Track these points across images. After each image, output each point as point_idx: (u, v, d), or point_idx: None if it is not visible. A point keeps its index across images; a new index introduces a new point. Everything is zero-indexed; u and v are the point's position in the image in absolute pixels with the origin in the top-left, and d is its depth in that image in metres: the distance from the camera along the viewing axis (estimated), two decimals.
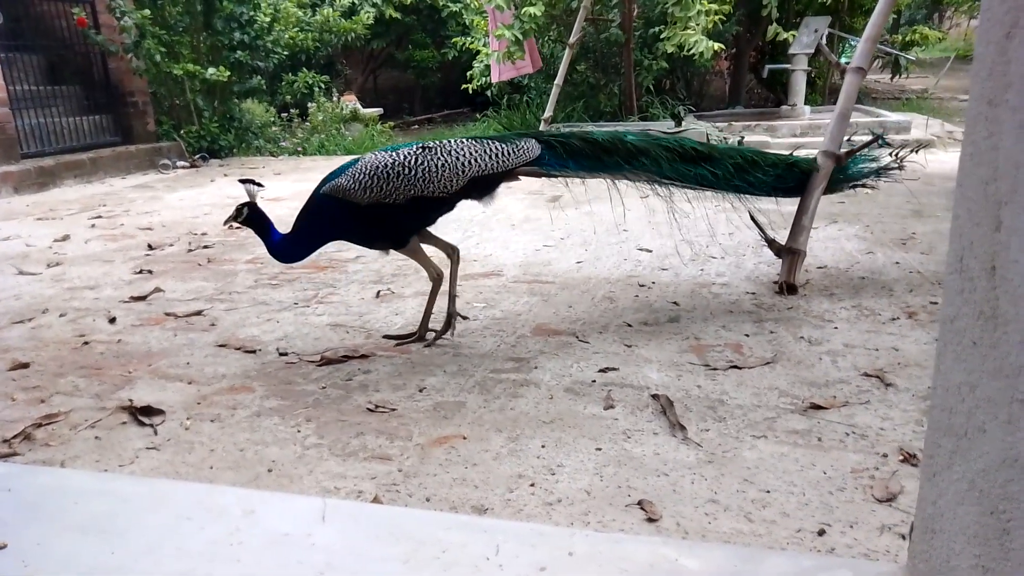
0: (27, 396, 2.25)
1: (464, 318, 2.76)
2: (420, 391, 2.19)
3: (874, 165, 3.21)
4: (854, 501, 1.57)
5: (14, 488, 1.38)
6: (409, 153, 2.39)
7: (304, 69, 10.13)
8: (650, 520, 1.52)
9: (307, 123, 10.03)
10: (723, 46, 8.26)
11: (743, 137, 8.83)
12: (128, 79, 7.64)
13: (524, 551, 1.15)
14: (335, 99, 10.46)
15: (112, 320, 2.93)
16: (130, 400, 2.16)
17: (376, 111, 11.55)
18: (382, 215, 2.39)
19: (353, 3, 12.10)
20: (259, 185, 2.43)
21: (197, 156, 7.93)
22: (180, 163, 7.72)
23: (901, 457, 1.72)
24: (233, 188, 6.22)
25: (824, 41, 10.87)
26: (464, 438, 1.90)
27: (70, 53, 7.50)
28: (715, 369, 2.26)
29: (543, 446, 1.84)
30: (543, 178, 2.76)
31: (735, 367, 2.27)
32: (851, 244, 3.71)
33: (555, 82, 8.60)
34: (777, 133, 9.31)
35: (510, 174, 2.53)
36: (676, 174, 2.70)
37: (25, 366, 2.48)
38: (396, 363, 2.42)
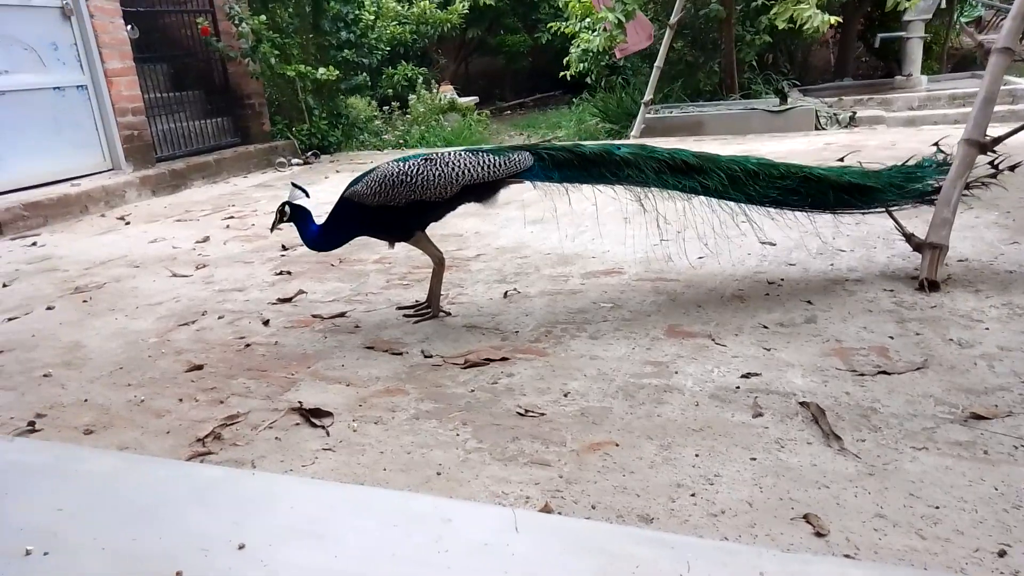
0: (207, 397, 2.48)
1: (447, 313, 3.08)
2: (565, 395, 2.28)
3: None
4: None
5: (235, 492, 1.56)
6: (413, 164, 2.81)
7: (403, 62, 10.39)
8: (818, 535, 1.54)
9: (407, 115, 10.30)
10: (839, 19, 7.87)
11: (855, 113, 8.44)
12: (245, 82, 8.07)
13: (715, 569, 1.21)
14: (433, 90, 10.68)
15: (266, 323, 3.16)
16: (299, 402, 2.35)
17: (472, 100, 11.72)
18: (388, 215, 2.85)
19: None
20: (306, 194, 2.90)
21: (309, 153, 8.30)
22: (294, 161, 8.12)
23: None
24: (345, 182, 6.50)
25: (943, 4, 10.20)
26: (616, 445, 1.97)
27: (193, 60, 8.00)
28: (862, 375, 2.24)
29: (696, 455, 1.89)
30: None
31: (883, 372, 2.24)
32: (992, 233, 3.53)
33: (655, 64, 8.45)
34: (892, 107, 8.85)
35: (502, 183, 2.90)
36: (664, 185, 2.90)
37: (199, 368, 2.72)
38: (536, 366, 2.51)
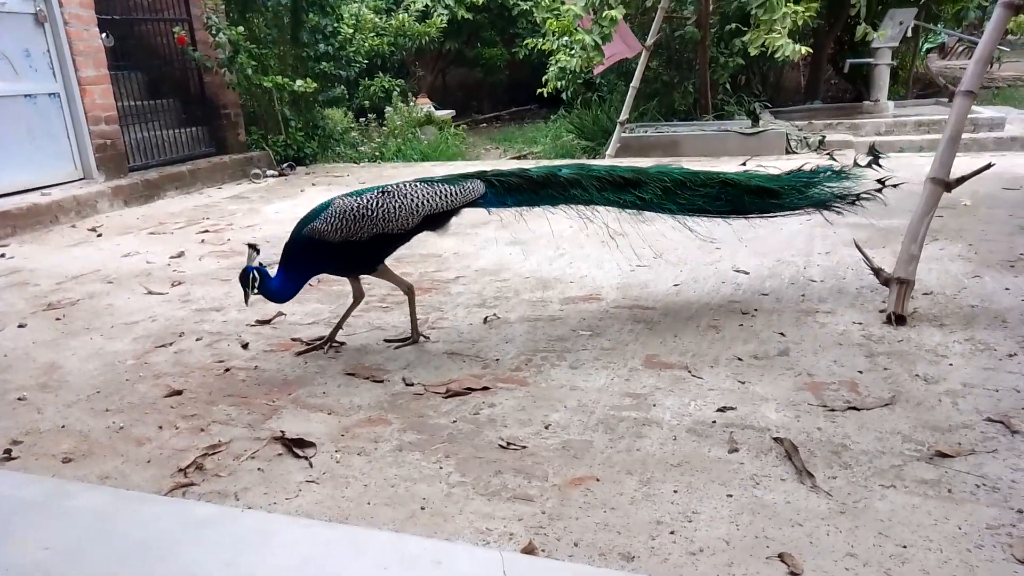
0: (188, 424, 2.47)
1: (341, 343, 3.12)
2: (546, 427, 2.32)
3: (840, 188, 3.23)
4: (994, 560, 1.61)
5: (228, 530, 1.57)
6: (371, 197, 2.82)
7: (380, 73, 10.39)
8: (793, 574, 1.60)
9: (384, 127, 10.30)
10: (810, 50, 8.08)
11: (824, 137, 8.65)
12: (222, 92, 8.02)
13: None
14: (410, 103, 10.70)
15: (245, 346, 3.16)
16: (282, 432, 2.35)
17: (449, 113, 11.75)
18: (351, 250, 2.85)
19: (427, 6, 12.32)
20: (257, 251, 2.77)
21: (285, 165, 8.26)
22: (269, 172, 8.07)
23: None
24: (323, 198, 6.49)
25: (910, 32, 10.51)
26: (598, 479, 2.01)
27: (169, 69, 7.93)
28: (833, 410, 2.32)
29: (675, 491, 1.94)
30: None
31: (853, 408, 2.32)
32: (956, 266, 3.66)
33: (631, 84, 8.57)
34: (861, 131, 9.09)
35: (456, 211, 2.98)
36: (607, 201, 3.08)
37: (179, 393, 2.71)
38: (517, 396, 2.55)
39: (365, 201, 2.82)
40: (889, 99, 10.30)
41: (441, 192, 2.90)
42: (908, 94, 11.95)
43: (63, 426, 2.51)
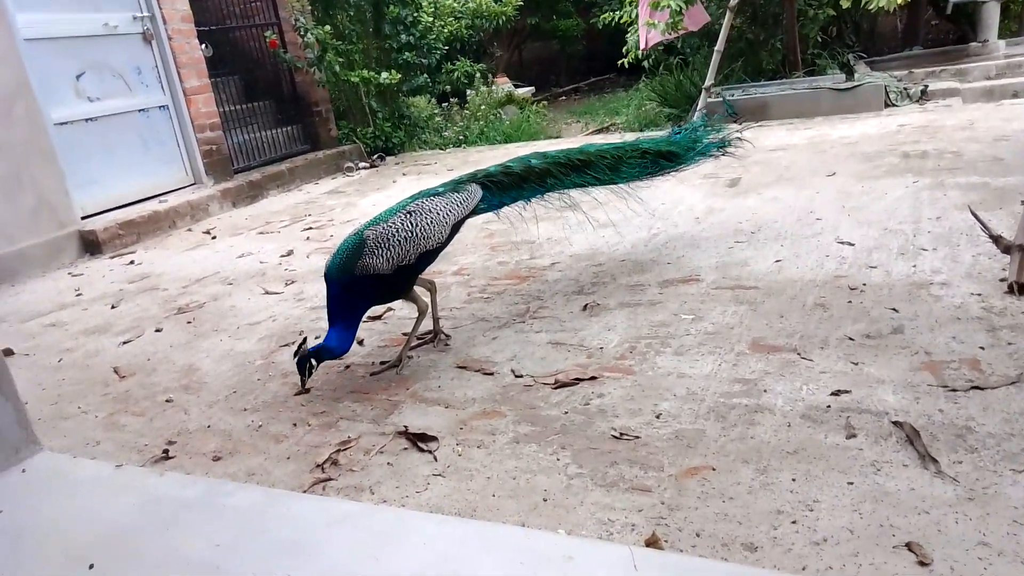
0: (319, 421, 2.67)
1: (448, 336, 3.22)
2: (657, 417, 2.37)
3: (717, 138, 3.78)
4: None
5: (369, 526, 1.71)
6: (403, 219, 2.85)
7: (460, 57, 10.50)
8: (922, 564, 1.61)
9: (466, 111, 10.43)
10: None
11: (927, 87, 8.14)
12: (312, 90, 8.33)
13: None
14: (491, 84, 10.77)
15: (360, 342, 3.34)
16: (405, 427, 2.51)
17: (528, 90, 11.78)
18: (401, 275, 2.88)
19: None
20: (305, 342, 2.77)
21: (375, 156, 8.53)
22: (361, 164, 8.36)
23: None
24: (414, 188, 6.68)
25: None
26: (713, 469, 2.05)
27: (262, 71, 8.30)
28: (955, 391, 2.26)
29: (793, 479, 1.96)
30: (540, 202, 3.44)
31: (976, 388, 2.25)
32: None
33: (716, 48, 8.33)
34: (968, 77, 8.50)
35: (467, 218, 3.10)
36: (574, 184, 3.37)
37: (307, 391, 2.92)
38: (625, 385, 2.61)
39: (400, 223, 2.83)
40: (1000, 38, 9.57)
41: (455, 200, 3.01)
42: (1022, 29, 11.05)
43: (208, 426, 2.76)
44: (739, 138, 3.85)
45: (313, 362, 2.77)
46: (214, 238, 5.98)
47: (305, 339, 2.84)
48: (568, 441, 2.30)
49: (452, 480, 2.18)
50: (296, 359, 2.74)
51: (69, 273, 5.44)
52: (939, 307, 2.84)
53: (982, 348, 2.49)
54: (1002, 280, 2.95)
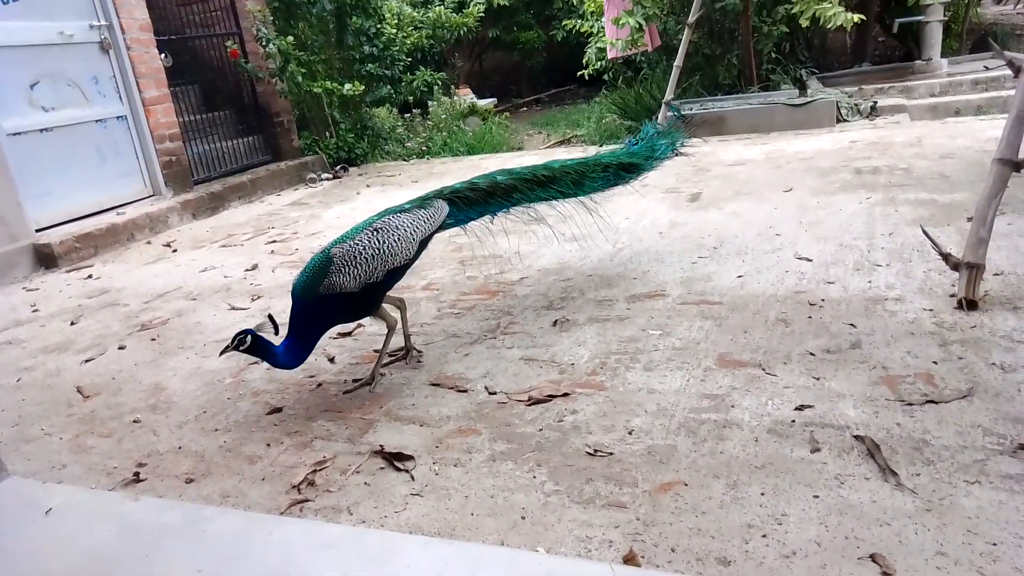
0: (293, 441, 2.66)
1: (420, 351, 3.25)
2: (629, 433, 2.43)
3: (668, 142, 3.92)
4: None
5: (355, 549, 1.73)
6: (370, 236, 2.85)
7: (421, 67, 10.51)
8: (886, 574, 1.69)
9: (428, 121, 10.44)
10: (863, 16, 7.87)
11: (876, 103, 8.45)
12: (274, 100, 8.25)
13: None
14: (452, 95, 10.81)
15: (331, 359, 3.34)
16: (380, 445, 2.52)
17: (491, 101, 11.84)
18: (369, 293, 2.88)
19: None
20: (276, 330, 2.69)
21: (339, 167, 8.48)
22: (324, 175, 8.30)
23: None
24: (379, 201, 6.67)
25: None
26: (686, 484, 2.12)
27: (222, 81, 8.19)
28: (911, 404, 2.37)
29: (762, 493, 2.03)
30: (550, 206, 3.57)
31: (931, 401, 2.37)
32: None
33: (675, 63, 8.51)
34: (914, 94, 8.85)
35: (434, 234, 3.13)
36: (540, 199, 3.46)
37: (279, 410, 2.91)
38: (597, 401, 2.66)
39: (368, 241, 2.83)
40: (942, 56, 9.98)
41: (422, 216, 3.03)
42: (962, 48, 11.54)
43: (179, 447, 2.73)
44: (689, 137, 4.05)
45: (248, 345, 2.62)
46: (175, 251, 5.88)
47: (271, 316, 2.72)
48: (544, 458, 2.34)
49: (430, 499, 2.21)
50: (243, 332, 2.63)
51: (24, 288, 5.29)
52: (894, 322, 2.97)
53: (935, 363, 2.62)
54: (952, 296, 3.10)
